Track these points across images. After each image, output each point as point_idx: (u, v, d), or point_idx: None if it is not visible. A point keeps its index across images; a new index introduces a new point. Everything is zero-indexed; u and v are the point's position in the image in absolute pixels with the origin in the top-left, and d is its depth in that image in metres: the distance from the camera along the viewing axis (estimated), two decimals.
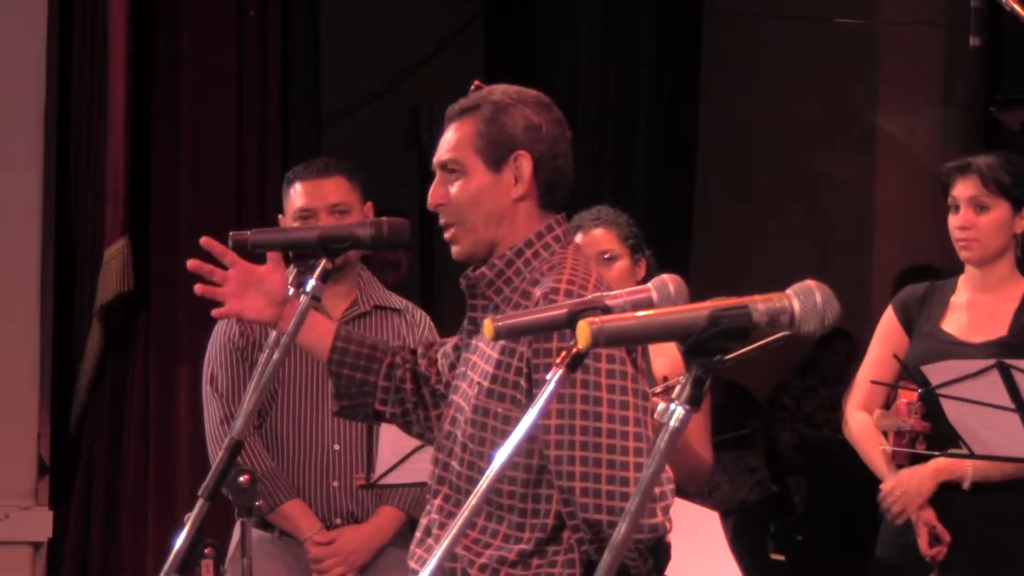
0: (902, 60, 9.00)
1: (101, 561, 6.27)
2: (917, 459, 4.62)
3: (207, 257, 3.45)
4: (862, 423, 4.74)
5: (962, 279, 4.73)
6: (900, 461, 4.63)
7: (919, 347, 4.67)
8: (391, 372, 3.45)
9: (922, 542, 4.58)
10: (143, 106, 6.25)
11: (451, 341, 3.45)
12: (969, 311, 4.67)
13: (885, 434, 4.69)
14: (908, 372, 4.53)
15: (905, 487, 4.62)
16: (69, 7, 6.30)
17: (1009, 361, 4.09)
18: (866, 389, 4.76)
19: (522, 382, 3.11)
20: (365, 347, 3.45)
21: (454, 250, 3.27)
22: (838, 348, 8.62)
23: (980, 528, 4.59)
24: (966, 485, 4.57)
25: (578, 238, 4.52)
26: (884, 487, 4.66)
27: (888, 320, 4.79)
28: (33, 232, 6.24)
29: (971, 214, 4.61)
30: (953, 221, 4.65)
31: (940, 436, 4.53)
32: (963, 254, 4.66)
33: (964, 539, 4.58)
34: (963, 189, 4.62)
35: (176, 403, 6.22)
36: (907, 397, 4.60)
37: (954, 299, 4.71)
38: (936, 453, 4.56)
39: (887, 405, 4.73)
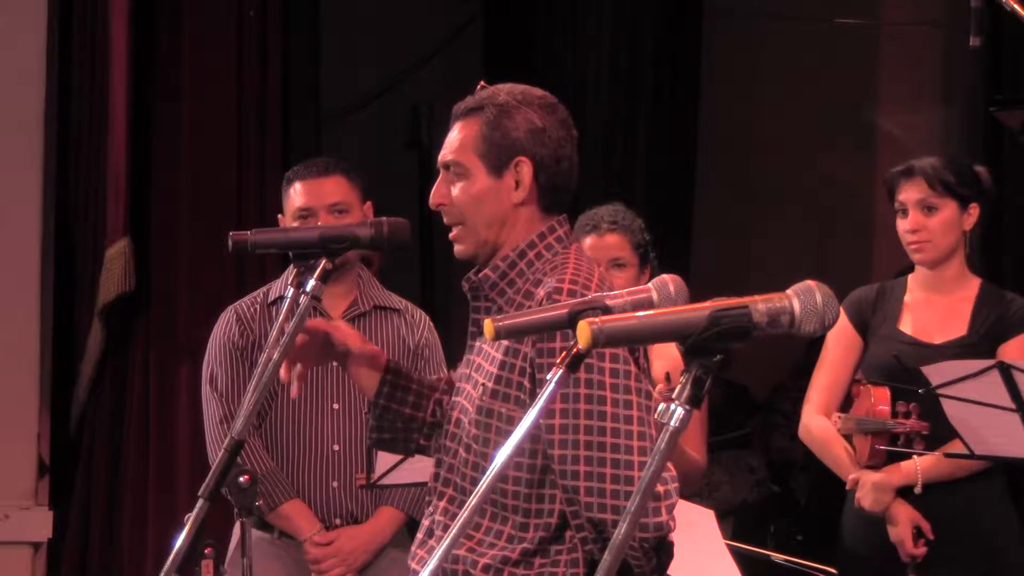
0: (902, 60, 8.98)
1: (101, 561, 6.27)
2: (893, 460, 4.65)
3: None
4: (822, 426, 4.76)
5: (911, 279, 4.77)
6: (877, 461, 4.65)
7: (879, 349, 4.69)
8: (436, 408, 3.41)
9: (908, 541, 4.60)
10: (143, 106, 6.26)
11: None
12: (925, 312, 4.70)
13: (848, 437, 4.71)
14: (908, 373, 4.53)
15: (867, 482, 4.64)
16: (69, 7, 6.30)
17: (1009, 361, 4.10)
18: (824, 393, 4.79)
19: (525, 382, 3.11)
20: (414, 383, 3.40)
21: (457, 249, 3.28)
22: None
23: (952, 530, 4.62)
24: (917, 489, 4.60)
25: (589, 240, 4.52)
26: (851, 480, 4.69)
27: (840, 324, 4.80)
28: (33, 232, 6.24)
29: (920, 216, 4.66)
30: (902, 225, 4.70)
31: (938, 436, 4.56)
32: (916, 256, 4.70)
33: (943, 539, 4.61)
34: (910, 193, 4.67)
35: (176, 403, 6.22)
36: (879, 398, 4.61)
37: (907, 299, 4.74)
38: (927, 453, 4.57)
39: (844, 408, 4.75)
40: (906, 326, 4.71)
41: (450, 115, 3.30)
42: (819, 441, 4.77)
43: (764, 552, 4.89)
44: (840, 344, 4.78)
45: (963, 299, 4.69)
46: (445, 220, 3.27)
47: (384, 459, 4.17)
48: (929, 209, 4.66)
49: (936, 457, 4.57)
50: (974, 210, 4.67)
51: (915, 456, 4.60)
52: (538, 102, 3.24)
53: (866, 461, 4.66)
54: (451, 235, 3.27)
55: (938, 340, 4.66)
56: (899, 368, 4.61)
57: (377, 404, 3.38)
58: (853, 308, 4.78)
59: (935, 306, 4.70)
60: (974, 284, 4.71)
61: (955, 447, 4.34)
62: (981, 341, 4.59)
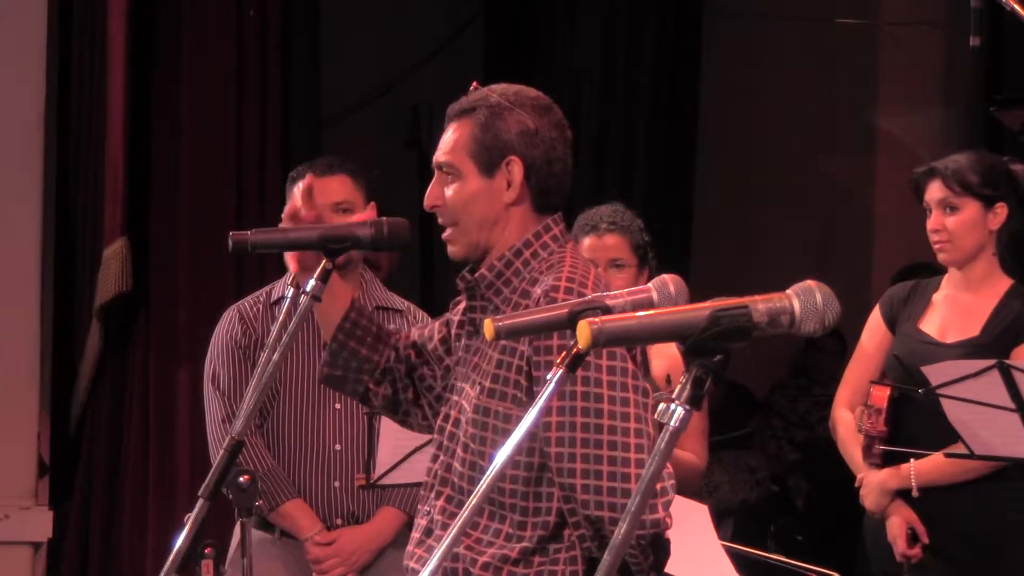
0: (902, 60, 8.99)
1: (101, 561, 6.27)
2: (890, 461, 4.66)
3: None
4: (845, 422, 4.79)
5: (945, 277, 4.77)
6: (873, 459, 4.67)
7: (897, 346, 4.70)
8: (391, 355, 3.43)
9: (900, 542, 4.61)
10: (143, 106, 6.26)
11: (435, 325, 3.45)
12: (948, 310, 4.70)
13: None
14: (909, 373, 4.54)
15: (870, 482, 4.67)
16: (69, 7, 6.31)
17: (1009, 361, 4.10)
18: (851, 388, 4.81)
19: (522, 380, 3.12)
20: (375, 326, 3.43)
21: (450, 250, 3.29)
22: (823, 348, 8.55)
23: (954, 530, 4.62)
24: (915, 492, 4.61)
25: (588, 240, 4.51)
26: (859, 480, 4.73)
27: (874, 319, 4.83)
28: (33, 232, 6.24)
29: (941, 217, 4.65)
30: (927, 225, 4.69)
31: (901, 439, 4.60)
32: (940, 256, 4.70)
33: (939, 541, 4.62)
34: (932, 193, 4.67)
35: (176, 403, 6.22)
36: (876, 398, 4.62)
37: (936, 298, 4.74)
38: (928, 453, 4.58)
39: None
40: (928, 325, 4.70)
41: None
42: (840, 438, 4.81)
43: (763, 555, 4.88)
44: (872, 340, 4.80)
45: (988, 298, 4.67)
46: (440, 221, 3.29)
47: (384, 459, 4.18)
48: (950, 209, 4.64)
49: (933, 460, 4.58)
50: (1001, 209, 4.63)
51: (911, 458, 4.61)
52: (531, 103, 3.24)
53: (866, 459, 4.68)
54: (444, 236, 3.29)
55: (951, 339, 4.65)
56: (900, 367, 4.62)
57: (336, 339, 3.39)
58: (886, 305, 4.80)
59: (959, 305, 4.69)
60: (1003, 284, 4.68)
61: (958, 448, 4.34)
62: (994, 342, 4.56)
